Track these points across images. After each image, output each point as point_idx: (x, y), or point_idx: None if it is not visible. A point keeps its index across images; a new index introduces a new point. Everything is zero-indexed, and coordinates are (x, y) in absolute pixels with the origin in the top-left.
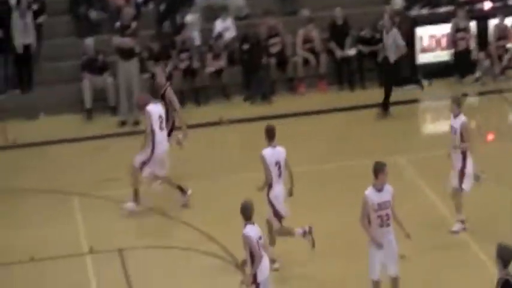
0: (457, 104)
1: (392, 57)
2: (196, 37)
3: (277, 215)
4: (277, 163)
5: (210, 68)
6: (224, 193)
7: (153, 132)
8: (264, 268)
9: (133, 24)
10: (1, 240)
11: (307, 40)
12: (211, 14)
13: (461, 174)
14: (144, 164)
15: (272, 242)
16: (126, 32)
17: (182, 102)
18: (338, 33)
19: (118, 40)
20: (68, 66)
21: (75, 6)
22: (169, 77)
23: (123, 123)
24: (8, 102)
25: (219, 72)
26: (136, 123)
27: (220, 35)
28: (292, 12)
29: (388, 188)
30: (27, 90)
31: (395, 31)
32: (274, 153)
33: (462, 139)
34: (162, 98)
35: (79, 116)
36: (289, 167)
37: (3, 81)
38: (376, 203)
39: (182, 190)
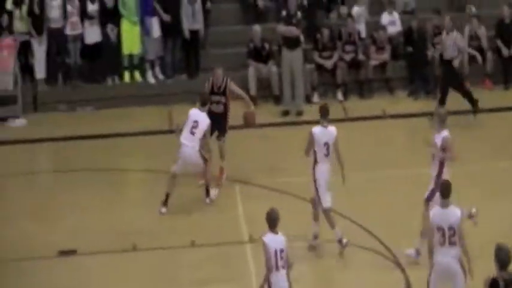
0: (440, 120)
1: (456, 62)
2: (362, 30)
3: (322, 200)
4: (326, 143)
5: (374, 61)
6: (383, 187)
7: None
8: (280, 281)
9: (299, 14)
10: (163, 223)
11: (474, 37)
12: (377, 7)
13: (435, 184)
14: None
15: (315, 218)
16: (291, 21)
17: (346, 94)
18: (505, 31)
19: (283, 29)
20: (234, 54)
21: None
22: (334, 68)
23: (285, 113)
24: (175, 86)
25: (383, 66)
26: (299, 113)
27: (383, 27)
28: (459, 8)
29: None
30: (194, 76)
31: (455, 33)
32: (324, 133)
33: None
34: (224, 93)
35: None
36: (338, 151)
37: (170, 66)
38: None
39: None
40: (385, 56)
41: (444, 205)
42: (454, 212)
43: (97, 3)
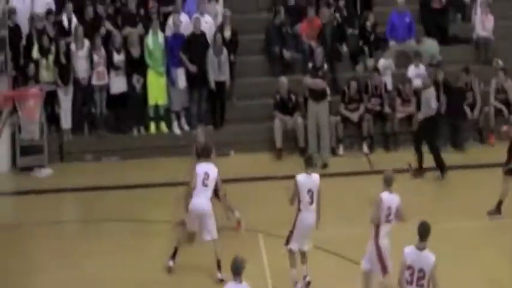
0: (385, 182)
1: (420, 116)
2: (388, 82)
3: (289, 241)
4: (310, 191)
5: (400, 114)
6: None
7: (193, 188)
8: None
9: (326, 66)
10: (188, 274)
11: (500, 91)
12: (404, 60)
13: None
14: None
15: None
16: (317, 73)
17: (371, 147)
18: None
19: (309, 81)
20: (260, 105)
21: (269, 45)
22: (360, 121)
23: None
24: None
25: (409, 118)
26: (325, 166)
27: (409, 80)
28: (486, 61)
29: None
30: (220, 127)
31: (431, 90)
32: (308, 181)
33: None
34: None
35: (269, 155)
36: (319, 199)
37: (196, 117)
38: None
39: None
40: (411, 108)
41: (420, 247)
42: (428, 257)
43: (123, 54)
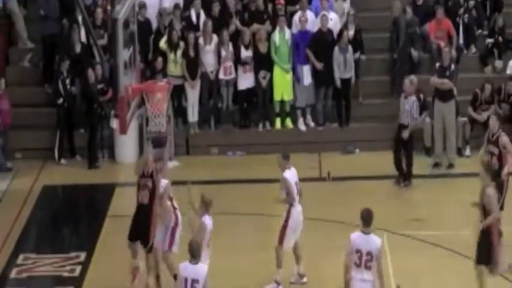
0: (202, 204)
1: (405, 133)
2: None
3: (282, 237)
4: (297, 183)
5: None
6: None
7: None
8: None
9: (453, 67)
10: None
11: None
12: None
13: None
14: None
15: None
16: (444, 73)
17: None
18: None
19: (436, 81)
20: (386, 104)
21: (395, 45)
22: (488, 122)
23: (436, 165)
24: (325, 135)
25: None
26: (451, 166)
27: None
28: None
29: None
30: (345, 125)
31: (413, 99)
32: (292, 174)
33: None
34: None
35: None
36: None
37: (321, 114)
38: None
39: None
40: None
41: (366, 232)
42: (374, 240)
43: (251, 49)
